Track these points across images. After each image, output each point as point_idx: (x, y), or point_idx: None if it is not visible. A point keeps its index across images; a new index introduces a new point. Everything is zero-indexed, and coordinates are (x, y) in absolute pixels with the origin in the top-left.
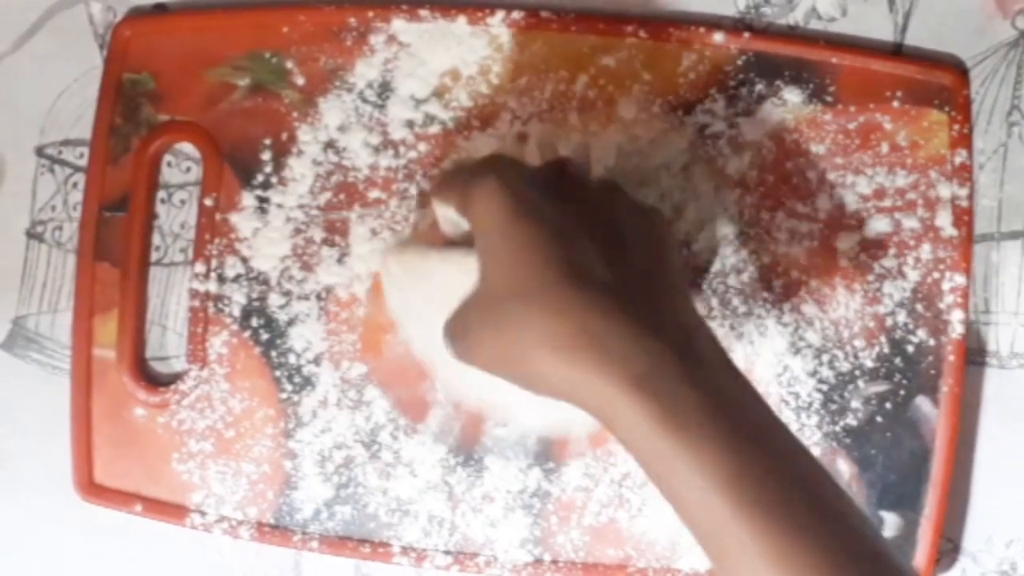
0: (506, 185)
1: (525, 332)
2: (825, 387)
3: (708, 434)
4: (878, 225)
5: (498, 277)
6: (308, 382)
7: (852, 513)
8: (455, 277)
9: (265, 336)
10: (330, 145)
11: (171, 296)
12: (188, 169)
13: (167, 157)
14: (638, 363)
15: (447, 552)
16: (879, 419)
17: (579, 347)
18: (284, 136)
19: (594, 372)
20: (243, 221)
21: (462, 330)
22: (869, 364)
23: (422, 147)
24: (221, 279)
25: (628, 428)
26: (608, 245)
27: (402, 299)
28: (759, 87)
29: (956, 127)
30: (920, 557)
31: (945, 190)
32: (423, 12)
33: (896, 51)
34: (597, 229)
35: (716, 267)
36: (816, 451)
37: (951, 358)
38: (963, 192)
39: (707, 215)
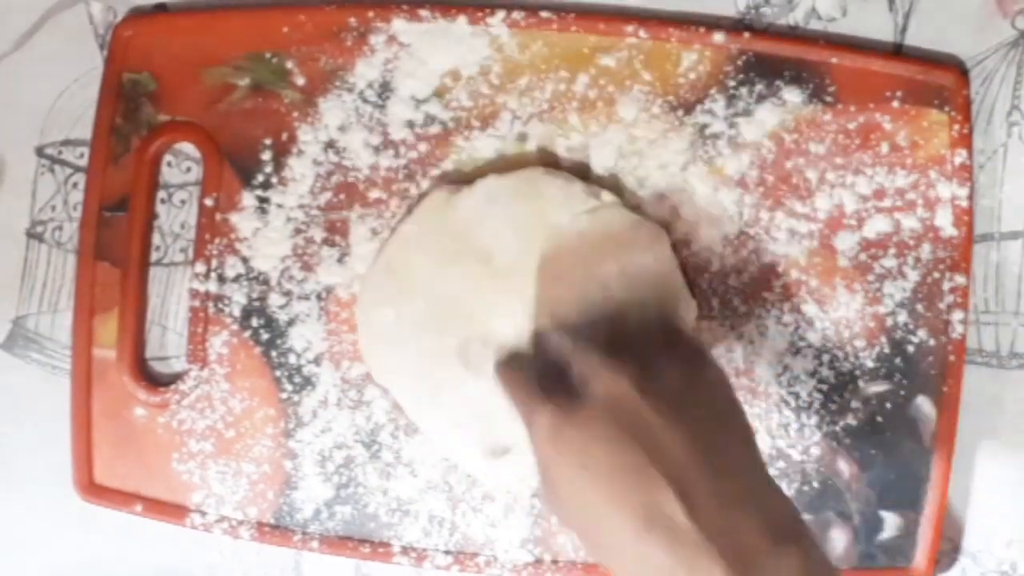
0: (584, 446)
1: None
2: (825, 387)
3: None
4: (878, 225)
5: (574, 511)
6: (308, 382)
7: None
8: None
9: (265, 336)
10: (330, 145)
11: (171, 296)
12: (188, 169)
13: (167, 157)
14: None
15: (447, 552)
16: (879, 419)
17: None
18: (284, 136)
19: None
20: (243, 221)
21: (557, 507)
22: (869, 364)
23: (422, 147)
24: (221, 279)
25: None
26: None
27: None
28: (759, 87)
29: (956, 127)
30: (920, 557)
31: (945, 190)
32: (423, 12)
33: (896, 51)
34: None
35: (716, 267)
36: (816, 451)
37: (951, 358)
38: (963, 192)
39: (707, 215)
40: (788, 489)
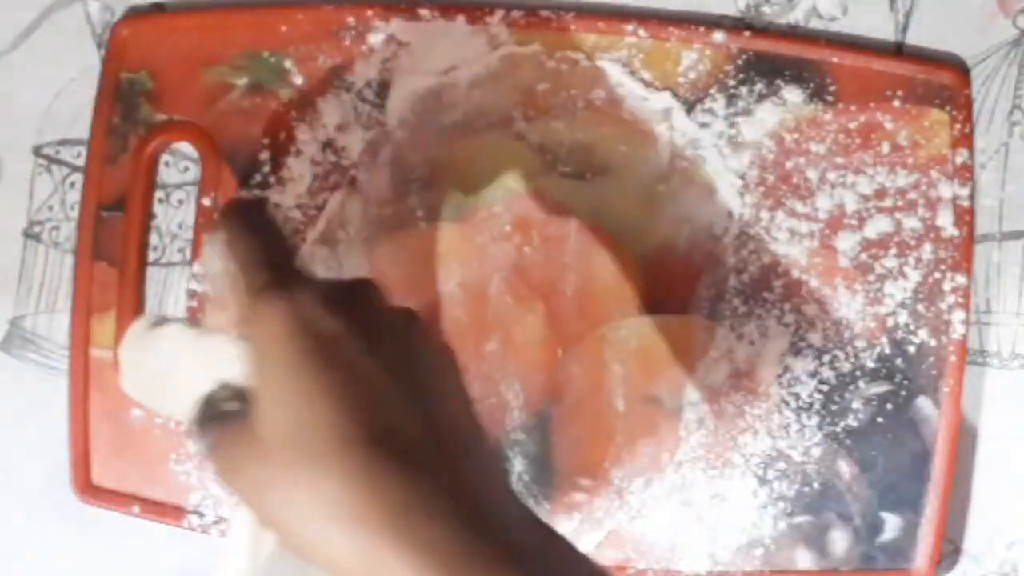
0: (303, 319)
1: (311, 498)
2: (826, 388)
3: None
4: (879, 225)
5: (282, 425)
6: None
7: None
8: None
9: None
10: (328, 145)
11: (169, 296)
12: (186, 169)
13: (165, 157)
14: (451, 550)
15: None
16: (880, 420)
17: (379, 522)
18: (282, 136)
19: (395, 554)
20: None
21: (229, 471)
22: (870, 365)
23: None
24: None
25: None
26: (410, 394)
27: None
28: (759, 86)
29: (957, 126)
30: (921, 558)
31: (946, 190)
32: (422, 11)
33: (897, 50)
34: (399, 373)
35: (716, 267)
36: (817, 452)
37: (952, 359)
38: (964, 192)
39: (706, 215)
40: (788, 490)
